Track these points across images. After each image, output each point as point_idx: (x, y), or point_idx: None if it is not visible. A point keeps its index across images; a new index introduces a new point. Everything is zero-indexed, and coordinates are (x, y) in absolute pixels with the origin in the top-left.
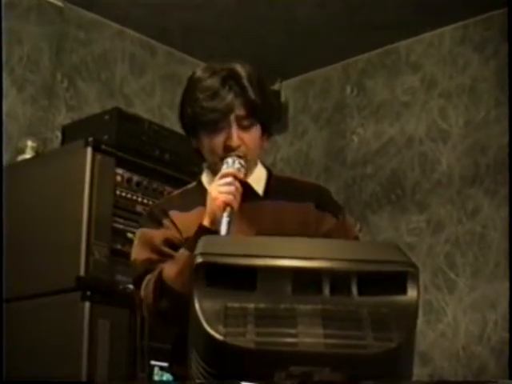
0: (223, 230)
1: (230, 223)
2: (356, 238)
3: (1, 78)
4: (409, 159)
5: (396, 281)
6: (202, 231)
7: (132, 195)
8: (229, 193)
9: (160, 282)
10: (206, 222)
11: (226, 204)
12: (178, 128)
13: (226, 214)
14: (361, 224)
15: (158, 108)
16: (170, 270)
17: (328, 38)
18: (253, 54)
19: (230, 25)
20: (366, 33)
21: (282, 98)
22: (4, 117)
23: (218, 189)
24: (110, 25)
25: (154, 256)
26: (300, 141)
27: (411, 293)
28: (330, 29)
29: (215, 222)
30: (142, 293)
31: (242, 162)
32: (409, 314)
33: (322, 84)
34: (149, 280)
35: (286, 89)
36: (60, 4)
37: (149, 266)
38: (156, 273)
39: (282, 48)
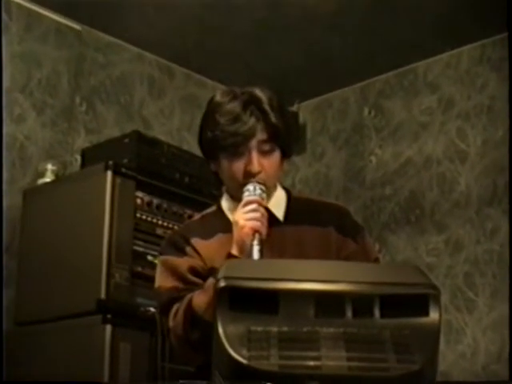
0: (255, 258)
1: (261, 251)
2: (376, 260)
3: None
4: (427, 180)
5: (418, 303)
6: None
7: (152, 218)
8: (256, 219)
9: (190, 312)
10: (234, 251)
11: (255, 231)
12: (196, 151)
13: (256, 242)
14: (379, 245)
15: (177, 131)
16: (199, 300)
17: (345, 59)
18: (270, 76)
19: (247, 47)
20: (383, 54)
21: (301, 120)
22: (24, 140)
23: (244, 216)
24: (129, 48)
25: (179, 284)
26: (318, 162)
27: (433, 315)
28: (348, 50)
29: (244, 250)
30: (171, 323)
31: (263, 187)
32: (431, 335)
33: (339, 105)
34: (177, 309)
35: (304, 110)
36: (78, 27)
37: (175, 295)
38: (185, 303)
39: (300, 70)
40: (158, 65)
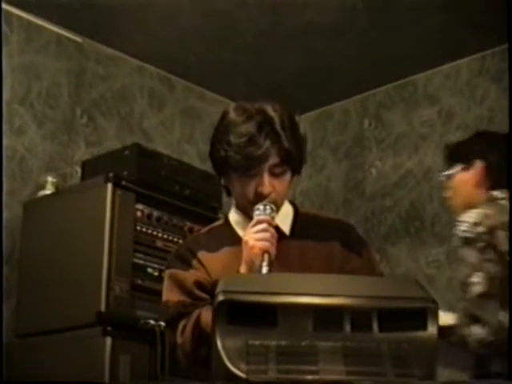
0: None
1: (270, 272)
2: (381, 275)
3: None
4: (427, 191)
5: (416, 317)
6: None
7: (152, 230)
8: (265, 240)
9: (198, 329)
10: (243, 270)
11: (264, 251)
12: (196, 163)
13: (265, 264)
14: (380, 256)
15: (177, 143)
16: (207, 317)
17: (346, 71)
18: (271, 88)
19: (248, 59)
20: (384, 66)
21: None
22: (24, 152)
23: (254, 236)
24: (129, 60)
25: (186, 299)
26: (319, 174)
27: (431, 328)
28: (348, 62)
29: (253, 270)
30: (179, 340)
31: (273, 206)
32: (429, 349)
33: (340, 117)
34: (184, 326)
35: (304, 122)
36: (79, 39)
37: (182, 309)
38: (193, 320)
39: (300, 82)
40: (159, 77)
